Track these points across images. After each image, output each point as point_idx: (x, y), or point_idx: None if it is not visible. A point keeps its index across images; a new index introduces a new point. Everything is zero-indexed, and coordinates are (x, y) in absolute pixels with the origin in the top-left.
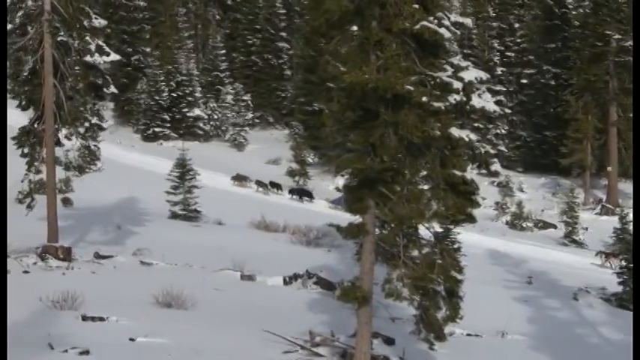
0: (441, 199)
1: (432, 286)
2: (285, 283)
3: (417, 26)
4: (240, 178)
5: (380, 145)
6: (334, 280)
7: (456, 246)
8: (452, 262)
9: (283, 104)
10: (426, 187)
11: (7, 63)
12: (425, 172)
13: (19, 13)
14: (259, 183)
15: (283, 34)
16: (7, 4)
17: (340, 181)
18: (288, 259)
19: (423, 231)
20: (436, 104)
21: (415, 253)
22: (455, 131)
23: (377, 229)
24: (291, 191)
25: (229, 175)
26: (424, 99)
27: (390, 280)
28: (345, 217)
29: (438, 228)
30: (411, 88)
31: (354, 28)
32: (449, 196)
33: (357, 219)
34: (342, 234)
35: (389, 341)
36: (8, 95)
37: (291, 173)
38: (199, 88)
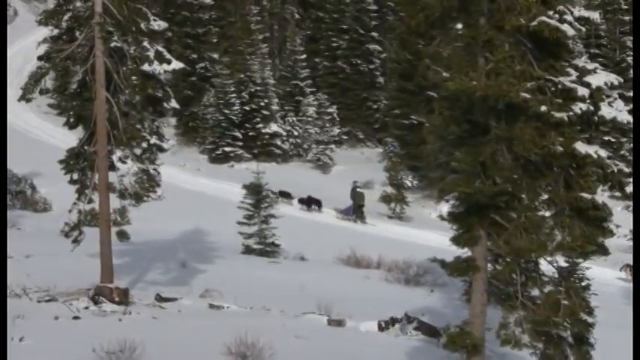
0: (566, 227)
1: (557, 331)
2: (381, 328)
3: (535, 22)
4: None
5: (491, 165)
6: (439, 324)
7: (584, 283)
8: (580, 302)
9: (375, 117)
10: (547, 213)
11: (54, 74)
12: (546, 196)
13: (66, 17)
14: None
15: (374, 34)
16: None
17: (444, 208)
18: (384, 301)
19: (545, 266)
20: (558, 115)
21: (536, 292)
22: (581, 146)
23: (489, 265)
24: (300, 200)
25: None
26: (543, 109)
27: (506, 324)
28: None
29: (562, 262)
30: (528, 96)
31: (459, 26)
32: (575, 224)
33: (465, 252)
34: (448, 270)
35: None
36: (54, 111)
37: (386, 199)
38: (276, 100)
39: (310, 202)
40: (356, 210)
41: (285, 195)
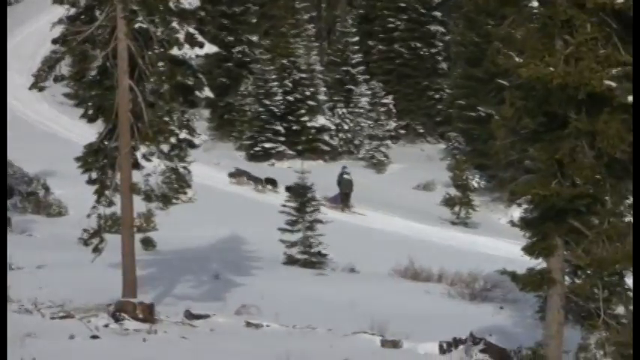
0: None
1: None
2: (443, 350)
3: None
4: (239, 175)
5: (570, 163)
6: (509, 346)
7: None
8: None
9: (437, 109)
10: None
11: (70, 60)
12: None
13: None
14: (253, 178)
15: (437, 13)
16: None
17: (516, 213)
18: (446, 319)
19: (631, 279)
20: None
21: (620, 309)
22: None
23: (567, 278)
24: (288, 189)
25: (369, 206)
26: (630, 99)
27: (587, 346)
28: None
29: None
30: (613, 84)
31: (534, 3)
32: None
33: (539, 264)
34: (520, 284)
35: None
36: (71, 102)
37: (449, 202)
38: (324, 89)
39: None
40: (342, 198)
41: (271, 182)
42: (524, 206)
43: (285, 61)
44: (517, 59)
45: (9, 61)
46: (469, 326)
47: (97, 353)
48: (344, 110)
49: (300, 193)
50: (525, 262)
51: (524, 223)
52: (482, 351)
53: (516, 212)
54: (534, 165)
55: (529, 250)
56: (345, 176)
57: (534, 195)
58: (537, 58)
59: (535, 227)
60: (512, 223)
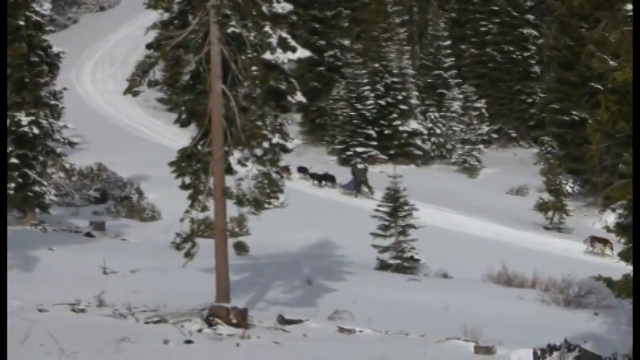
0: None
1: None
2: (537, 357)
3: None
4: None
5: None
6: (604, 353)
7: None
8: None
9: (530, 113)
10: None
11: (163, 65)
12: None
13: None
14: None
15: (530, 17)
16: None
17: (610, 218)
18: (539, 325)
19: None
20: None
21: None
22: None
23: None
24: (313, 176)
25: (456, 211)
26: None
27: None
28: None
29: None
30: None
31: (629, 7)
32: None
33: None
34: (615, 291)
35: None
36: (164, 106)
37: (542, 207)
38: (416, 93)
39: (322, 178)
40: (357, 185)
41: (303, 170)
42: (619, 211)
43: (376, 65)
44: (612, 63)
45: (102, 66)
46: (563, 333)
47: (191, 358)
48: (436, 114)
49: (329, 178)
50: (621, 269)
51: (620, 229)
52: (576, 358)
53: (611, 217)
54: (629, 169)
55: (625, 255)
56: (359, 166)
57: (630, 200)
58: (632, 61)
59: (630, 233)
60: (608, 229)
